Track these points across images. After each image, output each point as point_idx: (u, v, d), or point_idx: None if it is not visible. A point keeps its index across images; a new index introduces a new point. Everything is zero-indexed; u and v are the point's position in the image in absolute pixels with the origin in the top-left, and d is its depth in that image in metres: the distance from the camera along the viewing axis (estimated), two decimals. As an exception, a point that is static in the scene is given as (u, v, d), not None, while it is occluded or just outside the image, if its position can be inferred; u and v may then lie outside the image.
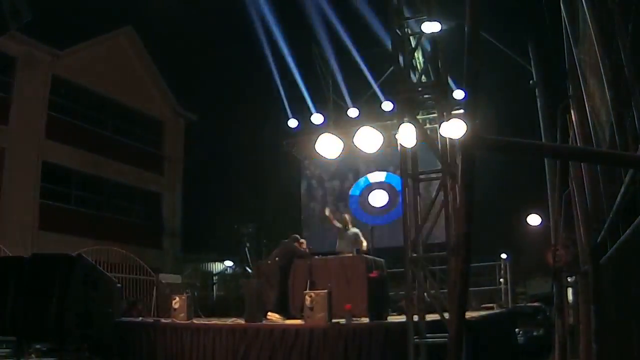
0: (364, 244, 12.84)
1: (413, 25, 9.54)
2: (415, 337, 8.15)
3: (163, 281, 18.02)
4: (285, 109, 19.65)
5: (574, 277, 14.91)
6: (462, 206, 1.98)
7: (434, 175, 8.94)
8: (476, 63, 2.03)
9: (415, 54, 11.77)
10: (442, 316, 8.18)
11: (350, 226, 13.18)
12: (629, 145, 5.03)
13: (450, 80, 13.96)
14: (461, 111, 13.75)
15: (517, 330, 16.19)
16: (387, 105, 17.89)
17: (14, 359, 9.31)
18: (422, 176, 8.97)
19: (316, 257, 12.17)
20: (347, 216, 13.50)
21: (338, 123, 18.95)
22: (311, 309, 9.35)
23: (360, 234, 13.00)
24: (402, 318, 9.23)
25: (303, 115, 19.43)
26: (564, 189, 13.30)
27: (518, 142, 2.03)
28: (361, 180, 20.13)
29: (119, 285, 15.10)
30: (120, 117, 25.59)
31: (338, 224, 13.29)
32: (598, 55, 5.72)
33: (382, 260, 12.54)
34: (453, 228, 8.33)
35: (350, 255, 12.23)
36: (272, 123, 20.00)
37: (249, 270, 15.12)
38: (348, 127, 17.87)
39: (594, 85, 7.32)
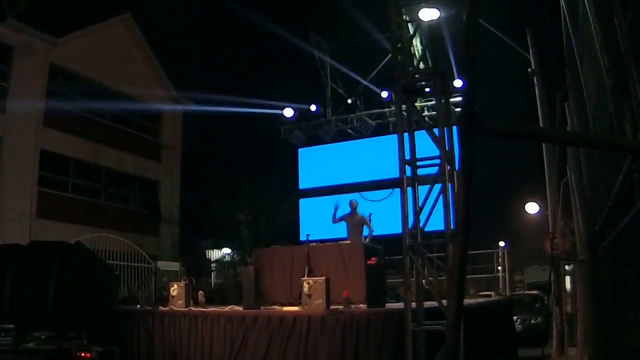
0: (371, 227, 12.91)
1: (411, 12, 9.51)
2: (413, 324, 8.18)
3: (161, 268, 18.11)
4: (282, 97, 19.61)
5: (571, 265, 15.00)
6: (460, 189, 1.98)
7: (432, 162, 8.92)
8: (474, 49, 2.02)
9: (414, 41, 11.75)
10: (440, 303, 8.21)
11: (357, 211, 13.13)
12: (627, 132, 5.03)
13: (452, 65, 13.99)
14: (460, 98, 13.77)
15: (514, 318, 16.24)
16: (385, 94, 17.81)
17: (13, 346, 9.32)
18: (420, 163, 8.95)
19: (314, 243, 12.15)
20: (354, 201, 13.39)
21: (335, 112, 18.95)
22: (309, 295, 9.36)
23: (366, 218, 12.97)
24: (400, 305, 9.26)
25: (300, 103, 19.38)
26: (562, 177, 13.35)
27: (517, 127, 2.03)
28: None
29: (117, 272, 15.16)
30: (118, 105, 25.49)
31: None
32: (597, 43, 5.70)
33: (380, 247, 12.54)
34: (451, 215, 8.34)
35: (348, 242, 12.23)
36: (269, 111, 19.92)
37: (247, 258, 15.13)
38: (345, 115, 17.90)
39: (592, 73, 7.31)
